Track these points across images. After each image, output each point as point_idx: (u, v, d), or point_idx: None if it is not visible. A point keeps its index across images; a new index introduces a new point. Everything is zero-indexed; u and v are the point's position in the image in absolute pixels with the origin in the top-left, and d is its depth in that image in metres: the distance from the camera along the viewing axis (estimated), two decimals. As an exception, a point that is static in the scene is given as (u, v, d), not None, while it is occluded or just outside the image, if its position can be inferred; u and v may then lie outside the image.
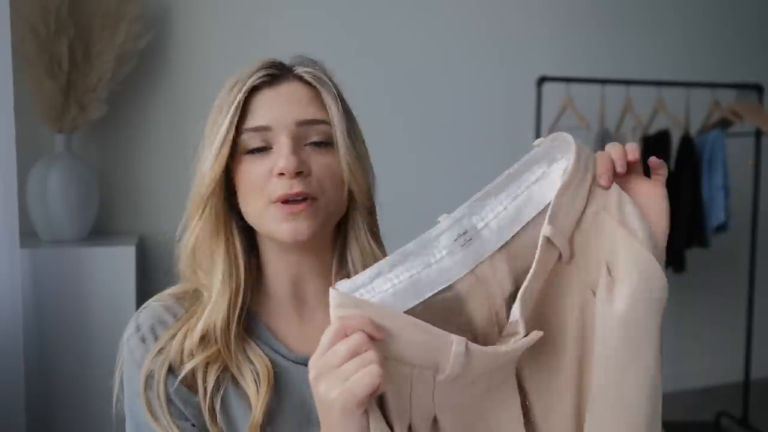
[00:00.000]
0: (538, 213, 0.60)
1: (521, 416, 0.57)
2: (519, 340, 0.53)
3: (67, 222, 1.89)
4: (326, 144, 0.73)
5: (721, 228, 2.51)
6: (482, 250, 0.58)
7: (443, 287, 0.56)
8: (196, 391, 0.71)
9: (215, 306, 0.72)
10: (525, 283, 0.55)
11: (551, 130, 2.45)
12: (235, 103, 0.71)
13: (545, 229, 0.57)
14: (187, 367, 0.71)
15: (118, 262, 1.82)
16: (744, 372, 2.59)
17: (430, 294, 0.55)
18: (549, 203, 0.59)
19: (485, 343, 0.54)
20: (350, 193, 0.75)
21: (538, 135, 2.36)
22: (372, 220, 0.79)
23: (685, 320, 3.01)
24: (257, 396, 0.71)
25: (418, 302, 0.55)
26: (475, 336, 0.57)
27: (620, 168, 0.61)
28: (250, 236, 0.76)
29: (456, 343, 0.51)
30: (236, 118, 0.71)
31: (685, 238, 2.47)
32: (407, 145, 2.48)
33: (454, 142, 2.58)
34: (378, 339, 0.50)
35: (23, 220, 1.66)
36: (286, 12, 2.33)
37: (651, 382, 0.55)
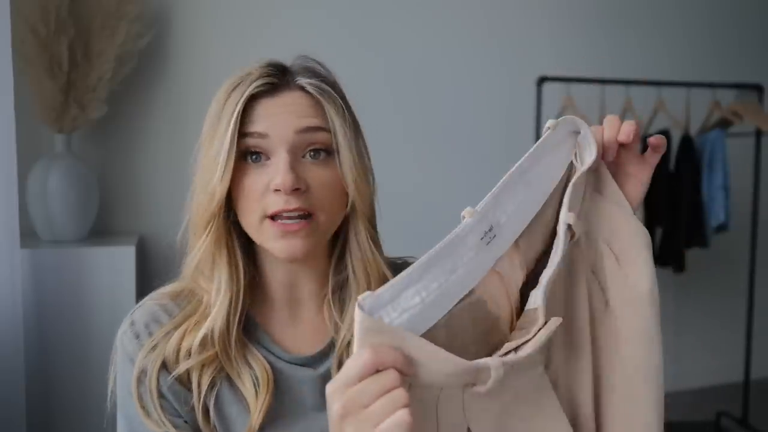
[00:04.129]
0: (546, 199, 0.60)
1: (560, 409, 0.54)
2: (539, 329, 0.51)
3: (67, 222, 1.89)
4: (326, 153, 0.72)
5: (721, 228, 2.51)
6: (503, 245, 0.56)
7: (467, 292, 0.53)
8: (190, 389, 0.72)
9: (218, 311, 0.72)
10: (550, 273, 0.54)
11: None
12: (235, 114, 0.70)
13: (567, 216, 0.56)
14: (183, 367, 0.71)
15: (118, 262, 1.82)
16: (744, 372, 2.59)
17: (456, 302, 0.52)
18: (557, 188, 0.59)
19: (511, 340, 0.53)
20: (352, 204, 0.74)
21: (538, 135, 2.36)
22: (372, 227, 0.78)
23: (684, 320, 3.01)
24: (256, 401, 0.71)
25: (444, 313, 0.51)
26: (505, 337, 0.55)
27: (609, 158, 0.62)
28: (247, 240, 0.76)
29: (494, 369, 0.48)
30: (237, 131, 0.70)
31: (685, 238, 2.47)
32: (407, 144, 2.48)
33: (454, 142, 2.58)
34: (408, 375, 0.46)
35: (23, 220, 1.66)
36: (286, 12, 2.33)
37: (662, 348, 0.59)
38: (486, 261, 0.55)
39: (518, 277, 0.57)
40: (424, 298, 0.50)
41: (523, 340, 0.52)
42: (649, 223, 2.43)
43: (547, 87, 2.36)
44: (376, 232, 0.79)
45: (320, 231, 0.72)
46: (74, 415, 1.75)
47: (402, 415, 0.44)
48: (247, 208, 0.71)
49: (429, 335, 0.49)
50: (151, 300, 0.77)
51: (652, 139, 0.63)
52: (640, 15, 2.84)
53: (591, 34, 2.76)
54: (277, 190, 0.69)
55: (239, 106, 0.70)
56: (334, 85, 0.74)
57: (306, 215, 0.70)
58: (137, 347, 0.72)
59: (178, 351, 0.71)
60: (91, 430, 1.71)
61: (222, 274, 0.73)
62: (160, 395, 0.70)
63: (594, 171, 0.61)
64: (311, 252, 0.72)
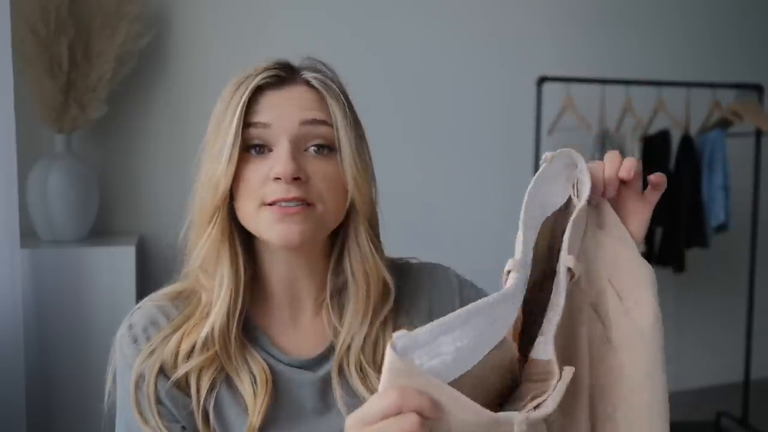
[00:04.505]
0: (539, 229, 0.59)
1: None
2: (556, 384, 0.50)
3: (67, 222, 1.89)
4: (328, 149, 0.72)
5: (721, 228, 2.51)
6: (524, 284, 0.55)
7: (501, 339, 0.52)
8: (188, 394, 0.71)
9: (219, 307, 0.72)
10: (556, 321, 0.53)
11: (551, 131, 2.45)
12: (241, 105, 0.70)
13: (567, 260, 0.55)
14: (181, 370, 0.71)
15: (118, 262, 1.82)
16: (744, 372, 2.59)
17: (490, 350, 0.51)
18: (549, 219, 0.59)
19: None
20: (352, 202, 0.74)
21: (538, 135, 2.36)
22: (373, 229, 0.77)
23: (685, 320, 3.01)
24: (254, 401, 0.71)
25: (477, 362, 0.50)
26: (516, 376, 0.55)
27: (610, 194, 0.61)
28: (247, 236, 0.76)
29: (518, 424, 0.46)
30: (242, 121, 0.70)
31: (684, 238, 2.47)
32: (407, 144, 2.47)
33: (453, 142, 2.58)
34: (429, 419, 0.45)
35: (23, 220, 1.66)
36: (285, 12, 2.33)
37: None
38: (517, 303, 0.54)
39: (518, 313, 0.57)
40: (460, 347, 0.48)
41: (545, 396, 0.50)
42: (649, 223, 2.43)
43: (548, 87, 2.36)
44: (377, 235, 0.78)
45: (319, 220, 0.71)
46: (74, 415, 1.75)
47: None
48: (245, 196, 0.71)
49: (457, 383, 0.48)
50: (150, 301, 0.76)
51: (652, 177, 0.63)
52: (640, 15, 2.84)
53: (591, 34, 2.77)
54: (277, 179, 0.69)
55: (245, 97, 0.70)
56: (338, 84, 0.75)
57: (304, 204, 0.69)
58: (135, 352, 0.72)
59: (176, 355, 0.71)
60: (90, 430, 1.71)
61: (224, 268, 0.72)
62: (158, 401, 0.70)
63: (595, 207, 0.61)
64: (309, 240, 0.71)
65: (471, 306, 0.48)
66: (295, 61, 0.76)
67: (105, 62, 1.90)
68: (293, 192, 0.69)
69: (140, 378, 0.70)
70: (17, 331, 1.55)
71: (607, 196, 0.61)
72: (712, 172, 2.47)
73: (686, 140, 2.50)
